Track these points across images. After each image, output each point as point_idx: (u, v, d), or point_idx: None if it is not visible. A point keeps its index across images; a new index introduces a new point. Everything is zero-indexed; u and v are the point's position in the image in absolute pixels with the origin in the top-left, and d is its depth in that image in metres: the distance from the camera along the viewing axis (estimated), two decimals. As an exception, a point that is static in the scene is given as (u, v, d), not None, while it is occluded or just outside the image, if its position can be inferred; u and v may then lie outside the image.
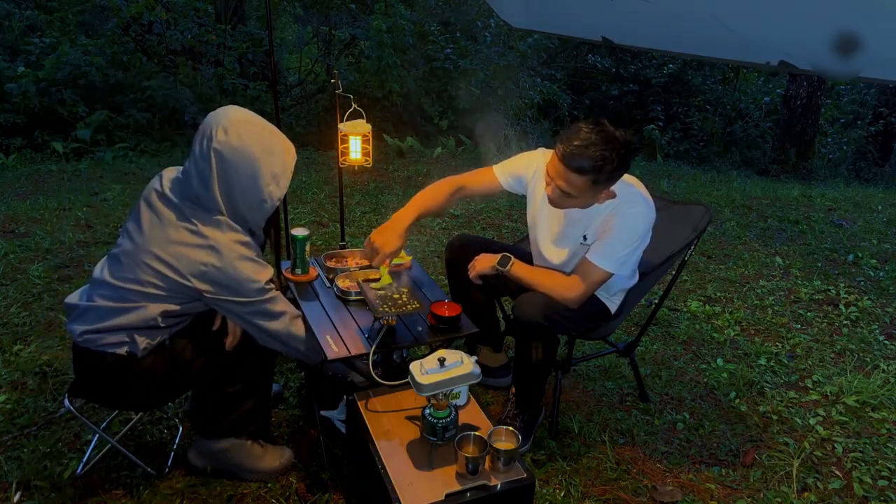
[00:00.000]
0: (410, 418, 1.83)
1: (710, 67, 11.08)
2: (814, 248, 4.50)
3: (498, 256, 2.20)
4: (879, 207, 5.80)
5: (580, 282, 2.07)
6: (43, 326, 2.96)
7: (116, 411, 2.30)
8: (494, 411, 2.40)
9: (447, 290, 2.50)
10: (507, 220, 4.82)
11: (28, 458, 2.14)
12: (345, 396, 2.10)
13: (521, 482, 1.64)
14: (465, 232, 4.29)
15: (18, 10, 8.61)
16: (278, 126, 1.91)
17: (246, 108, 1.82)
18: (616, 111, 10.77)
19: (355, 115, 2.54)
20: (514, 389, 2.34)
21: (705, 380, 2.82)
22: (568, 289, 2.08)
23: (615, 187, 2.02)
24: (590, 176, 1.90)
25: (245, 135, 1.73)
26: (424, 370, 1.70)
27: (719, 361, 2.96)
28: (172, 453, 2.17)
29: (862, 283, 3.94)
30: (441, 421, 1.68)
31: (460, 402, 1.90)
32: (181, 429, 2.29)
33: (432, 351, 1.88)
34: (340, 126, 2.52)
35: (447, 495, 1.57)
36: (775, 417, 2.57)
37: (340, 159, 2.59)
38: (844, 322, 3.40)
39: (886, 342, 3.22)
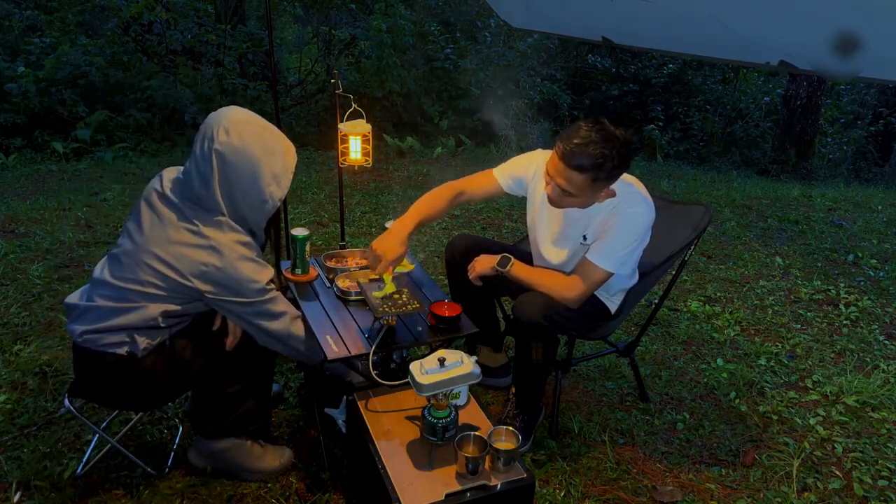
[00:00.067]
0: (410, 418, 1.83)
1: (710, 67, 11.07)
2: (814, 248, 4.50)
3: (498, 257, 2.20)
4: (879, 207, 5.80)
5: (580, 282, 2.07)
6: (43, 326, 2.96)
7: (116, 411, 2.30)
8: (494, 411, 2.40)
9: (447, 290, 2.50)
10: (507, 220, 4.82)
11: (28, 458, 2.14)
12: (345, 396, 2.10)
13: (521, 482, 1.64)
14: (465, 232, 4.28)
15: (18, 10, 8.61)
16: (278, 126, 1.91)
17: (246, 108, 1.82)
18: (616, 111, 10.77)
19: (355, 115, 2.54)
20: (514, 389, 2.34)
21: (705, 380, 2.82)
22: (568, 289, 2.08)
23: (615, 186, 2.02)
24: (590, 174, 1.90)
25: (246, 135, 1.73)
26: (424, 370, 1.70)
27: (719, 361, 2.96)
28: (172, 453, 2.17)
29: (862, 283, 3.94)
30: (441, 421, 1.68)
31: (460, 402, 1.90)
32: (181, 429, 2.29)
33: (432, 351, 1.88)
34: (340, 126, 2.52)
35: (447, 495, 1.57)
36: (775, 417, 2.57)
37: (340, 159, 2.58)
38: (844, 322, 3.40)
39: (886, 342, 3.22)
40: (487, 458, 1.65)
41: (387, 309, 1.98)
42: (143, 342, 1.75)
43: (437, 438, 1.70)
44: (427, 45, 9.19)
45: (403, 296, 2.05)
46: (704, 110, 10.67)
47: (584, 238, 2.12)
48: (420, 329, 2.07)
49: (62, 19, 8.53)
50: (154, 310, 1.74)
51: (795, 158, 8.67)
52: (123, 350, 1.74)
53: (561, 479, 2.16)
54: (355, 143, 2.54)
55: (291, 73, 10.48)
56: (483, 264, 2.23)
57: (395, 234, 2.04)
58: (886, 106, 10.23)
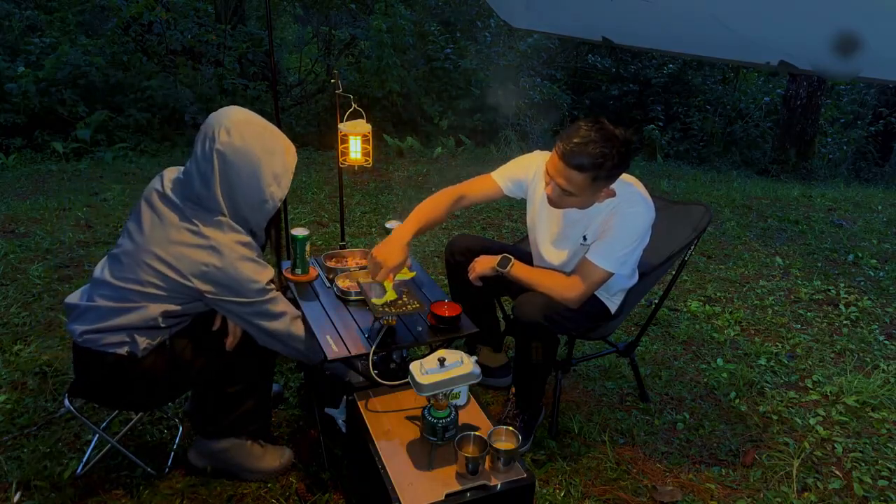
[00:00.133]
0: (410, 418, 1.83)
1: (710, 67, 11.08)
2: (814, 248, 4.51)
3: (498, 258, 2.20)
4: (879, 207, 5.80)
5: (580, 282, 2.07)
6: (43, 326, 2.96)
7: (116, 411, 2.30)
8: (494, 411, 2.40)
9: (447, 290, 2.50)
10: (507, 220, 4.82)
11: (28, 458, 2.14)
12: (345, 396, 2.10)
13: (521, 482, 1.64)
14: (465, 232, 4.29)
15: (18, 10, 8.61)
16: (278, 126, 1.91)
17: (246, 108, 1.82)
18: (616, 111, 10.78)
19: (355, 115, 2.54)
20: (514, 389, 2.34)
21: (705, 380, 2.82)
22: (568, 289, 2.08)
23: (615, 186, 2.02)
24: (589, 173, 1.90)
25: (247, 135, 1.73)
26: (424, 370, 1.70)
27: (719, 361, 2.96)
28: (172, 453, 2.17)
29: (862, 283, 3.94)
30: (441, 421, 1.68)
31: (460, 402, 1.90)
32: (181, 429, 2.29)
33: (432, 351, 1.88)
34: (340, 126, 2.52)
35: (447, 495, 1.57)
36: (775, 417, 2.57)
37: (340, 159, 2.58)
38: (844, 322, 3.40)
39: (886, 342, 3.22)
40: (487, 458, 1.65)
41: (387, 309, 1.98)
42: (143, 342, 1.75)
43: (437, 438, 1.70)
44: (427, 45, 9.19)
45: (403, 296, 2.05)
46: (704, 110, 10.68)
47: (584, 238, 2.12)
48: (420, 329, 2.07)
49: (62, 19, 8.54)
50: (154, 310, 1.74)
51: (795, 158, 8.67)
52: (123, 350, 1.74)
53: (561, 479, 2.16)
54: (355, 143, 2.54)
55: (291, 73, 10.49)
56: (483, 265, 2.23)
57: (395, 241, 2.03)
58: (886, 106, 10.23)
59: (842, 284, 3.85)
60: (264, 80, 8.89)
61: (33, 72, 7.37)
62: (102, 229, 4.25)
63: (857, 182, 8.48)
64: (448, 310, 2.07)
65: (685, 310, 3.45)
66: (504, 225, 4.71)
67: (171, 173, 1.84)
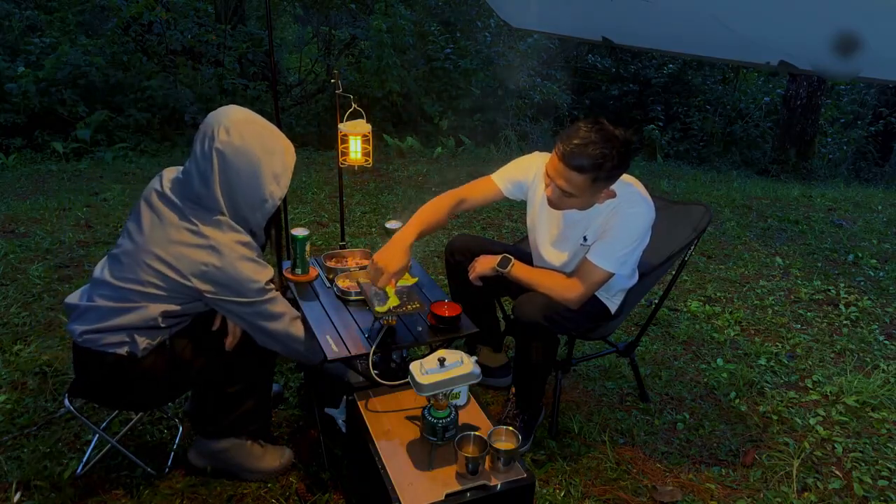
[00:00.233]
0: (410, 418, 1.83)
1: (710, 67, 11.08)
2: (814, 248, 4.50)
3: (498, 258, 2.20)
4: (879, 207, 5.80)
5: (580, 282, 2.07)
6: (43, 326, 2.96)
7: (116, 411, 2.30)
8: (494, 411, 2.40)
9: (447, 290, 2.50)
10: (507, 220, 4.82)
11: (28, 458, 2.14)
12: (345, 396, 2.10)
13: (521, 482, 1.64)
14: (465, 232, 4.28)
15: (18, 10, 8.61)
16: (278, 126, 1.91)
17: (246, 108, 1.82)
18: (616, 111, 10.78)
19: (355, 115, 2.54)
20: (514, 389, 2.34)
21: (705, 380, 2.82)
22: (568, 289, 2.08)
23: (615, 187, 2.02)
24: (589, 174, 1.90)
25: (247, 134, 1.73)
26: (424, 370, 1.70)
27: (719, 361, 2.96)
28: (172, 453, 2.17)
29: (862, 283, 3.94)
30: (441, 421, 1.68)
31: (460, 402, 1.90)
32: (181, 429, 2.29)
33: (432, 351, 1.88)
34: (340, 126, 2.52)
35: (447, 495, 1.57)
36: (775, 417, 2.57)
37: (340, 159, 2.58)
38: (844, 322, 3.40)
39: (886, 342, 3.22)
40: (487, 458, 1.65)
41: (387, 309, 1.98)
42: (143, 342, 1.75)
43: (437, 438, 1.70)
44: (427, 45, 9.19)
45: (403, 296, 2.05)
46: (704, 110, 10.68)
47: (585, 239, 2.12)
48: (420, 329, 2.07)
49: (62, 19, 8.53)
50: (154, 310, 1.74)
51: (795, 158, 8.67)
52: (123, 350, 1.74)
53: (561, 479, 2.16)
54: (355, 143, 2.54)
55: (291, 73, 10.49)
56: (483, 265, 2.23)
57: (396, 246, 2.02)
58: (886, 106, 10.23)
59: (842, 284, 3.85)
60: (264, 80, 8.89)
61: (33, 72, 7.37)
62: (102, 229, 4.25)
63: (857, 182, 8.48)
64: (448, 310, 2.07)
65: (685, 310, 3.45)
66: (504, 225, 4.71)
67: (171, 173, 1.84)
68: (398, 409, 1.87)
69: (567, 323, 2.13)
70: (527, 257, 2.35)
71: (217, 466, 2.06)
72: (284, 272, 2.34)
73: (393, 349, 2.03)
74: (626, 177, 2.07)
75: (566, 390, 2.66)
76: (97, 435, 2.15)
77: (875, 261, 4.28)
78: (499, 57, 9.59)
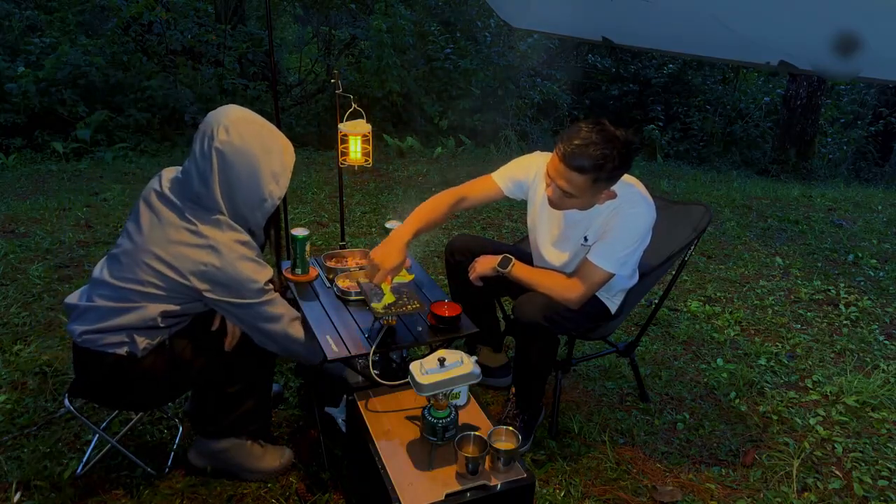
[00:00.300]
0: (410, 418, 1.83)
1: (710, 67, 11.08)
2: (814, 248, 4.50)
3: (498, 258, 2.20)
4: (879, 207, 5.80)
5: (581, 282, 2.07)
6: (43, 326, 2.96)
7: (116, 411, 2.30)
8: (494, 411, 2.40)
9: (447, 290, 2.50)
10: (507, 220, 4.82)
11: (28, 458, 2.14)
12: (345, 396, 2.10)
13: (521, 482, 1.64)
14: (465, 232, 4.28)
15: (18, 10, 8.61)
16: (278, 126, 1.91)
17: (246, 107, 1.82)
18: (616, 111, 10.78)
19: (355, 115, 2.54)
20: (514, 389, 2.34)
21: (705, 380, 2.82)
22: (568, 289, 2.08)
23: (615, 187, 2.02)
24: (590, 175, 1.90)
25: (246, 134, 1.73)
26: (424, 370, 1.70)
27: (719, 361, 2.96)
28: (172, 453, 2.17)
29: (862, 283, 3.94)
30: (441, 421, 1.68)
31: (460, 402, 1.90)
32: (181, 429, 2.29)
33: (432, 351, 1.88)
34: (340, 126, 2.52)
35: (447, 495, 1.57)
36: (775, 417, 2.57)
37: (340, 159, 2.58)
38: (844, 322, 3.40)
39: (886, 342, 3.22)
40: (487, 458, 1.65)
41: (387, 309, 1.98)
42: (142, 342, 1.75)
43: (437, 438, 1.70)
44: (427, 45, 9.19)
45: (403, 296, 2.05)
46: (704, 110, 10.68)
47: (585, 239, 2.12)
48: (420, 329, 2.07)
49: (62, 19, 8.53)
50: (153, 310, 1.74)
51: (795, 158, 8.67)
52: (123, 350, 1.74)
53: (561, 479, 2.16)
54: (355, 143, 2.54)
55: (291, 73, 10.48)
56: (484, 265, 2.23)
57: (393, 243, 2.03)
58: (886, 106, 10.23)
59: (842, 284, 3.85)
60: (264, 80, 8.88)
61: (33, 72, 7.37)
62: (102, 229, 4.25)
63: (857, 182, 8.48)
64: (448, 310, 2.07)
65: (685, 310, 3.45)
66: (504, 225, 4.71)
67: (170, 173, 1.84)
68: (398, 409, 1.87)
69: (567, 323, 2.13)
70: (527, 257, 2.34)
71: (217, 466, 2.06)
72: (284, 272, 2.34)
73: (393, 349, 2.03)
74: (627, 177, 2.07)
75: (566, 390, 2.66)
76: (97, 435, 2.15)
77: (875, 261, 4.28)
78: (499, 57, 9.59)
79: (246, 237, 1.77)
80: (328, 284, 2.31)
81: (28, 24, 8.60)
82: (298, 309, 2.13)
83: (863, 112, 10.86)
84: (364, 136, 2.53)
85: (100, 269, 1.81)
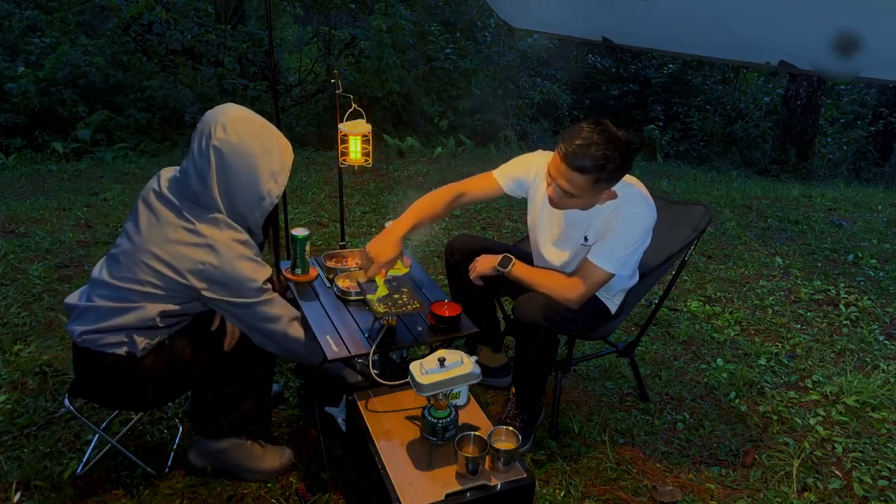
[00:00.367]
0: (410, 418, 1.83)
1: (710, 67, 11.08)
2: (814, 248, 4.50)
3: (499, 257, 2.20)
4: (879, 207, 5.80)
5: (581, 282, 2.07)
6: (43, 326, 2.96)
7: (116, 411, 2.30)
8: (494, 411, 2.40)
9: (447, 290, 2.50)
10: (507, 220, 4.82)
11: (28, 458, 2.14)
12: (345, 396, 2.10)
13: (521, 482, 1.64)
14: (465, 232, 4.29)
15: (18, 10, 8.61)
16: (278, 126, 1.91)
17: (249, 109, 1.82)
18: (616, 111, 10.77)
19: (355, 115, 2.54)
20: (514, 389, 2.34)
21: (705, 380, 2.82)
22: (569, 289, 2.08)
23: (616, 188, 2.02)
24: (591, 175, 1.90)
25: (244, 132, 1.73)
26: (424, 370, 1.70)
27: (719, 361, 2.96)
28: (172, 453, 2.17)
29: (862, 283, 3.94)
30: (441, 421, 1.68)
31: (460, 402, 1.90)
32: (181, 429, 2.29)
33: (432, 351, 1.88)
34: (340, 126, 2.52)
35: (447, 495, 1.57)
36: (775, 417, 2.57)
37: (340, 159, 2.59)
38: (844, 322, 3.40)
39: (886, 342, 3.22)
40: (487, 458, 1.65)
41: (387, 309, 1.98)
42: (141, 342, 1.75)
43: (437, 438, 1.70)
44: (427, 45, 9.19)
45: (403, 296, 2.05)
46: (704, 110, 10.68)
47: (586, 239, 2.12)
48: (420, 329, 2.07)
49: (62, 19, 8.53)
50: (152, 309, 1.73)
51: (795, 158, 8.67)
52: (122, 350, 1.74)
53: (561, 479, 2.16)
54: (355, 143, 2.54)
55: (291, 73, 10.48)
56: (484, 264, 2.23)
57: (388, 236, 2.03)
58: (886, 106, 10.23)
59: (842, 284, 3.85)
60: (264, 80, 8.88)
61: (33, 72, 7.37)
62: (102, 229, 4.25)
63: (857, 182, 8.47)
64: (448, 310, 2.07)
65: (685, 310, 3.45)
66: (504, 225, 4.71)
67: (168, 173, 1.84)
68: (398, 409, 1.87)
69: (567, 323, 2.13)
70: (527, 257, 2.34)
71: (217, 466, 2.05)
72: (284, 272, 2.34)
73: (393, 349, 2.03)
74: (627, 177, 2.06)
75: (566, 390, 2.66)
76: (97, 435, 2.15)
77: (875, 261, 4.28)
78: (499, 57, 9.59)
79: (244, 236, 1.77)
80: (328, 284, 2.31)
81: (28, 24, 8.60)
82: (298, 309, 2.13)
83: (863, 112, 10.86)
84: (364, 136, 2.53)
85: (99, 270, 1.81)
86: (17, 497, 1.99)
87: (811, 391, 2.77)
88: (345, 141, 2.54)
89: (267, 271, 1.80)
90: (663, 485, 2.19)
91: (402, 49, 8.81)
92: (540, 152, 2.27)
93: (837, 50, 2.01)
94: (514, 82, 9.53)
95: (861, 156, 10.18)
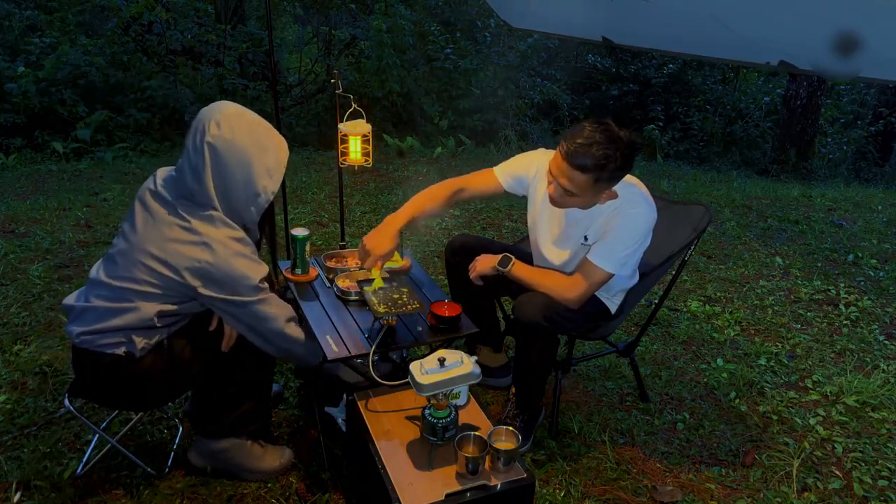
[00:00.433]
0: (410, 418, 1.83)
1: (710, 67, 11.08)
2: (814, 248, 4.50)
3: (498, 257, 2.20)
4: (879, 207, 5.80)
5: (581, 282, 2.07)
6: (43, 326, 2.96)
7: (116, 411, 2.30)
8: (494, 411, 2.40)
9: (447, 290, 2.50)
10: (507, 220, 4.82)
11: (28, 458, 2.14)
12: (345, 396, 2.10)
13: (521, 482, 1.64)
14: (465, 232, 4.28)
15: (18, 10, 8.61)
16: (278, 126, 1.91)
17: (245, 107, 1.82)
18: (616, 111, 10.77)
19: (355, 115, 2.54)
20: (514, 389, 2.34)
21: (705, 380, 2.82)
22: (568, 289, 2.08)
23: (617, 187, 2.02)
24: (592, 174, 1.90)
25: (238, 128, 1.72)
26: (424, 370, 1.70)
27: (719, 361, 2.96)
28: (172, 453, 2.17)
29: (862, 283, 3.94)
30: (441, 421, 1.68)
31: (460, 402, 1.90)
32: (181, 429, 2.29)
33: (432, 351, 1.88)
34: (340, 126, 2.52)
35: (447, 495, 1.57)
36: (775, 417, 2.57)
37: (340, 159, 2.59)
38: (844, 322, 3.40)
39: (886, 342, 3.22)
40: (487, 458, 1.65)
41: (387, 309, 1.98)
42: (140, 342, 1.75)
43: (437, 438, 1.70)
44: (427, 45, 9.19)
45: (403, 296, 2.05)
46: (704, 110, 10.67)
47: (585, 239, 2.12)
48: (420, 329, 2.07)
49: (62, 19, 8.53)
50: (150, 309, 1.73)
51: (795, 158, 8.67)
52: (121, 350, 1.74)
53: (561, 479, 2.16)
54: (355, 143, 2.54)
55: (291, 73, 10.48)
56: (484, 264, 2.23)
57: (386, 229, 2.05)
58: (886, 106, 10.23)
59: (842, 284, 3.85)
60: (264, 80, 8.88)
61: (33, 72, 7.37)
62: (102, 229, 4.25)
63: (857, 182, 8.47)
64: (448, 310, 2.07)
65: (685, 310, 3.45)
66: (504, 225, 4.71)
67: (164, 172, 1.83)
68: (398, 409, 1.87)
69: (567, 323, 2.13)
70: (527, 257, 2.34)
71: (217, 466, 2.05)
72: (284, 272, 2.34)
73: (393, 349, 2.03)
74: (628, 177, 2.06)
75: (566, 390, 2.66)
76: (97, 435, 2.15)
77: (875, 261, 4.28)
78: (499, 57, 9.59)
79: (241, 233, 1.76)
80: (328, 284, 2.31)
81: (28, 24, 8.60)
82: (298, 308, 2.13)
83: (863, 112, 10.86)
84: (364, 136, 2.53)
85: (96, 270, 1.80)
86: (17, 497, 1.99)
87: (811, 391, 2.77)
88: (345, 141, 2.54)
89: (264, 269, 1.79)
90: (663, 485, 2.19)
91: (402, 49, 8.81)
92: (541, 150, 2.27)
93: (837, 50, 2.01)
94: (514, 82, 9.53)
95: (861, 156, 10.18)
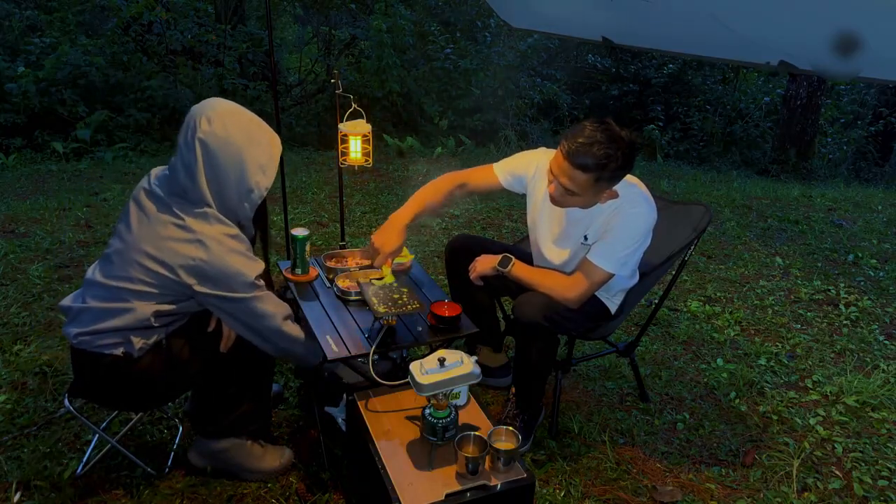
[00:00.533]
0: (410, 418, 1.83)
1: (710, 67, 11.08)
2: (814, 248, 4.50)
3: (499, 257, 2.20)
4: (879, 207, 5.80)
5: (581, 282, 2.07)
6: (43, 326, 2.96)
7: (116, 411, 2.30)
8: (494, 411, 2.40)
9: (447, 290, 2.50)
10: (507, 220, 4.82)
11: (28, 458, 2.14)
12: (345, 396, 2.10)
13: (521, 482, 1.64)
14: (465, 232, 4.28)
15: (18, 10, 8.61)
16: (278, 126, 1.91)
17: (245, 108, 1.81)
18: (616, 111, 10.77)
19: (355, 115, 2.54)
20: (514, 389, 2.34)
21: (705, 380, 2.82)
22: (568, 289, 2.08)
23: (618, 187, 2.02)
24: (593, 174, 1.90)
25: (230, 124, 1.71)
26: (424, 370, 1.70)
27: (719, 361, 2.96)
28: (172, 453, 2.17)
29: (862, 283, 3.94)
30: (441, 421, 1.68)
31: (460, 402, 1.90)
32: (181, 429, 2.29)
33: (432, 351, 1.88)
34: (340, 126, 2.52)
35: (447, 495, 1.57)
36: (775, 417, 2.57)
37: (340, 159, 2.59)
38: (844, 322, 3.40)
39: (886, 342, 3.22)
40: (487, 458, 1.65)
41: (387, 309, 1.98)
42: (138, 342, 1.74)
43: (437, 438, 1.70)
44: (427, 45, 9.19)
45: (403, 296, 2.05)
46: (704, 110, 10.67)
47: (585, 238, 2.12)
48: (420, 329, 2.07)
49: (62, 19, 8.53)
50: (146, 309, 1.72)
51: (795, 158, 8.67)
52: (119, 351, 1.73)
53: (561, 479, 2.16)
54: (355, 143, 2.54)
55: (291, 73, 10.48)
56: (484, 264, 2.23)
57: (392, 225, 2.07)
58: (886, 106, 10.23)
59: (842, 284, 3.85)
60: (264, 80, 8.88)
61: (33, 72, 7.37)
62: (102, 229, 4.25)
63: (857, 182, 8.47)
64: (448, 310, 2.07)
65: (685, 310, 3.45)
66: (504, 225, 4.71)
67: (158, 171, 1.83)
68: (398, 409, 1.87)
69: (567, 323, 2.13)
70: (527, 257, 2.34)
71: (217, 466, 2.05)
72: (284, 272, 2.34)
73: (393, 349, 2.03)
74: (629, 177, 2.06)
75: (566, 390, 2.66)
76: (97, 435, 2.15)
77: (875, 261, 4.28)
78: (499, 57, 9.59)
79: (235, 230, 1.75)
80: (328, 284, 2.31)
81: (28, 24, 8.60)
82: (299, 309, 2.13)
83: (863, 112, 10.86)
84: (364, 136, 2.54)
85: (92, 271, 1.80)
86: (17, 497, 1.98)
87: (811, 391, 2.77)
88: (345, 141, 2.54)
89: (259, 266, 1.77)
90: (663, 485, 2.19)
91: (402, 49, 8.81)
92: (542, 150, 2.27)
93: (837, 50, 2.01)
94: (514, 82, 9.53)
95: (861, 156, 10.18)
